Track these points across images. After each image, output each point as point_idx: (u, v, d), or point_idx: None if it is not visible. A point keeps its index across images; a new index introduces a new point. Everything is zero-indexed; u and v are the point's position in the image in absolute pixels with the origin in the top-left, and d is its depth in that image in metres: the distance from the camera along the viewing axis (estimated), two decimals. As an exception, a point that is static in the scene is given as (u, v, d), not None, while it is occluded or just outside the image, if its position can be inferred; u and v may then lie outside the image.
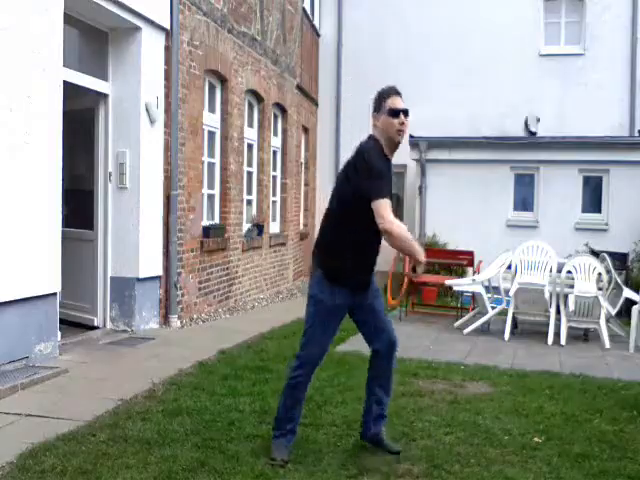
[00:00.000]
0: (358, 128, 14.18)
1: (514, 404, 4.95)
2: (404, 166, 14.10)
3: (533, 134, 13.12)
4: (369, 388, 4.02)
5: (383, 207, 3.49)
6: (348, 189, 3.67)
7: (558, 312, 7.72)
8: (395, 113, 3.70)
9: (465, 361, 6.46)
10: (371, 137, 3.77)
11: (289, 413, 3.78)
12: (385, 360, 3.95)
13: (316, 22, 14.65)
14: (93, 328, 6.92)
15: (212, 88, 8.90)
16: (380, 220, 3.47)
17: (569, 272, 7.81)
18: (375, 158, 3.64)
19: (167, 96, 7.38)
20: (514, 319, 7.99)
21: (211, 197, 9.00)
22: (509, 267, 8.11)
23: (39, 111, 5.43)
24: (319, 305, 3.72)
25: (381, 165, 3.65)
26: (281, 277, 11.80)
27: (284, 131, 12.01)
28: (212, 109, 8.91)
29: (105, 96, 6.93)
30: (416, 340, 7.50)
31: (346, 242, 3.70)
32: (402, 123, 3.70)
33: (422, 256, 3.54)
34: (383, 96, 3.77)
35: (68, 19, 5.98)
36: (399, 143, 3.77)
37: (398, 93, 3.79)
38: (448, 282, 9.08)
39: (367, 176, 3.55)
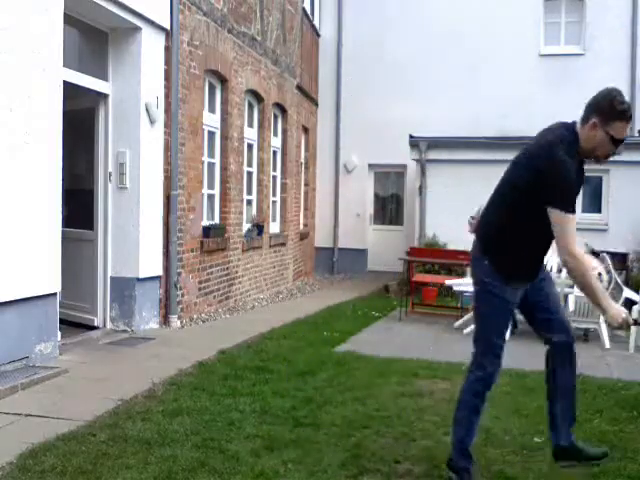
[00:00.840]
0: (358, 128, 14.43)
1: (514, 404, 4.94)
2: (404, 166, 14.12)
3: None
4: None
5: (568, 230, 3.14)
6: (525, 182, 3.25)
7: (558, 312, 7.71)
8: (616, 141, 3.24)
9: (465, 361, 6.42)
10: (569, 127, 3.30)
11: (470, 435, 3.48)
12: (567, 355, 3.52)
13: (316, 22, 14.65)
14: (93, 328, 6.92)
15: (212, 88, 8.90)
16: (561, 245, 3.15)
17: (569, 272, 7.80)
18: (567, 162, 3.16)
19: (167, 96, 7.38)
20: (514, 319, 7.97)
21: (211, 197, 9.00)
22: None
23: (39, 111, 5.42)
24: (489, 295, 3.42)
25: (571, 170, 3.19)
26: (281, 277, 11.80)
27: (284, 131, 12.01)
28: (212, 109, 8.91)
29: (105, 96, 6.93)
30: (416, 340, 7.50)
31: (522, 238, 3.34)
32: (615, 153, 3.31)
33: (615, 317, 3.17)
34: (616, 111, 3.20)
35: (68, 19, 5.98)
36: (597, 162, 3.39)
37: (630, 118, 3.24)
38: (448, 282, 9.08)
39: (553, 182, 3.14)
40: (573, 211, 3.15)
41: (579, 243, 3.16)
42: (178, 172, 7.57)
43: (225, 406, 4.58)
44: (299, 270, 13.22)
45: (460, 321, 8.49)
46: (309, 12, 13.82)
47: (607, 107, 3.20)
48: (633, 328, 7.30)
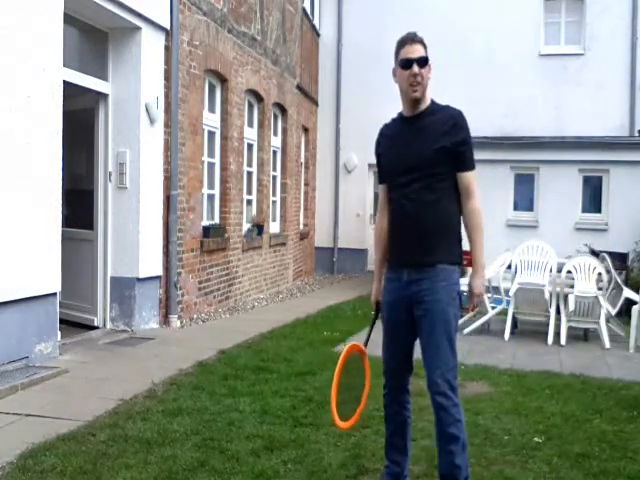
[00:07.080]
0: (358, 128, 14.42)
1: (514, 404, 4.94)
2: (404, 166, 14.11)
3: None
4: None
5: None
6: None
7: (558, 312, 7.71)
8: (405, 64, 3.18)
9: (465, 361, 6.44)
10: None
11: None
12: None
13: (316, 22, 14.65)
14: (93, 328, 6.93)
15: (212, 88, 8.90)
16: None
17: (569, 272, 7.81)
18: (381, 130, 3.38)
19: (167, 96, 7.38)
20: (514, 319, 7.98)
21: (211, 197, 9.00)
22: (509, 267, 8.10)
23: (39, 111, 5.43)
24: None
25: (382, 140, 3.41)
26: (281, 277, 11.80)
27: (284, 131, 12.01)
28: (212, 109, 8.91)
29: (105, 96, 6.93)
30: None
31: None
32: (414, 75, 3.17)
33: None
34: (397, 46, 3.20)
35: (68, 19, 5.98)
36: (415, 100, 3.28)
37: (413, 40, 3.20)
38: (448, 282, 9.06)
39: None
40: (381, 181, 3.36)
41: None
42: (178, 172, 7.57)
43: (225, 406, 4.58)
44: (299, 270, 13.22)
45: (460, 321, 8.48)
46: (309, 12, 13.82)
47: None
48: (633, 328, 7.30)
